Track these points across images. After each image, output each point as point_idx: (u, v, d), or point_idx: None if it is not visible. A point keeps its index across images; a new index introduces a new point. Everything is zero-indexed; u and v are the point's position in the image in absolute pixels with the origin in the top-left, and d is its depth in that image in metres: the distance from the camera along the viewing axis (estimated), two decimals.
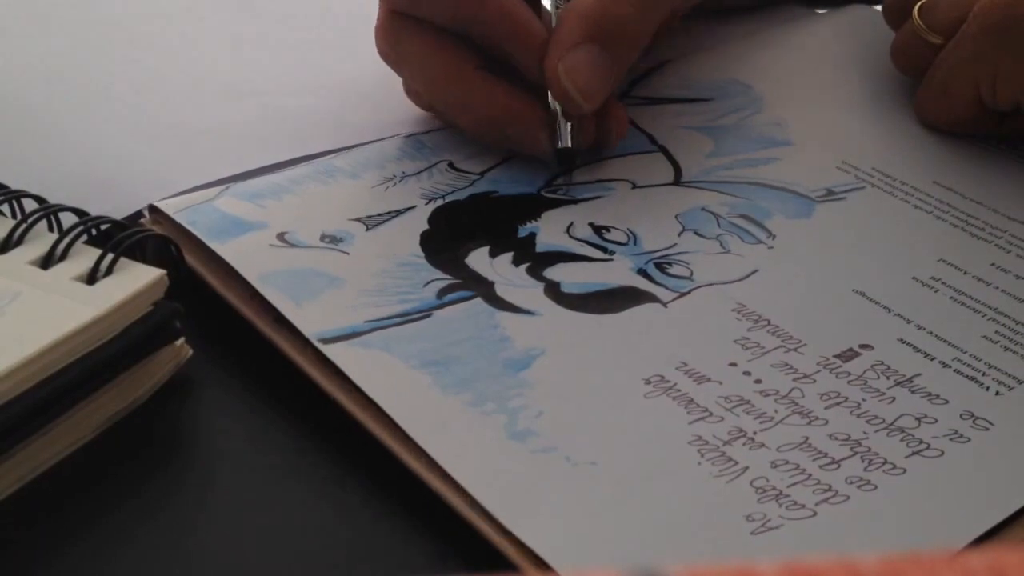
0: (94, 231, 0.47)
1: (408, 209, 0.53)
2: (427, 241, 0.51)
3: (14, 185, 0.49)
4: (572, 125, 0.55)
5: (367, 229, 0.51)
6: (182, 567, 0.41)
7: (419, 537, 0.41)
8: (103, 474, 0.43)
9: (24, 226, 0.47)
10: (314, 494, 0.43)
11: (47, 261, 0.46)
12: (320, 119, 0.60)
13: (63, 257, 0.46)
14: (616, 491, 0.41)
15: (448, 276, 0.49)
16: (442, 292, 0.48)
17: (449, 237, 0.51)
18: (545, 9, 0.56)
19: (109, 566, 0.41)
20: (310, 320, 0.46)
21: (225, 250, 0.49)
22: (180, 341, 0.46)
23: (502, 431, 0.43)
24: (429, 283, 0.49)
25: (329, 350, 0.45)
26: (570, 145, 0.55)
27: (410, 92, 0.59)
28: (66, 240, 0.46)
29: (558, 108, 0.54)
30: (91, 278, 0.45)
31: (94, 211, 0.48)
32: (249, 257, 0.49)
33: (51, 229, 0.48)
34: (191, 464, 0.45)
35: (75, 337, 0.43)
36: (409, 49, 0.56)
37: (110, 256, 0.45)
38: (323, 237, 0.50)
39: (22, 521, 0.42)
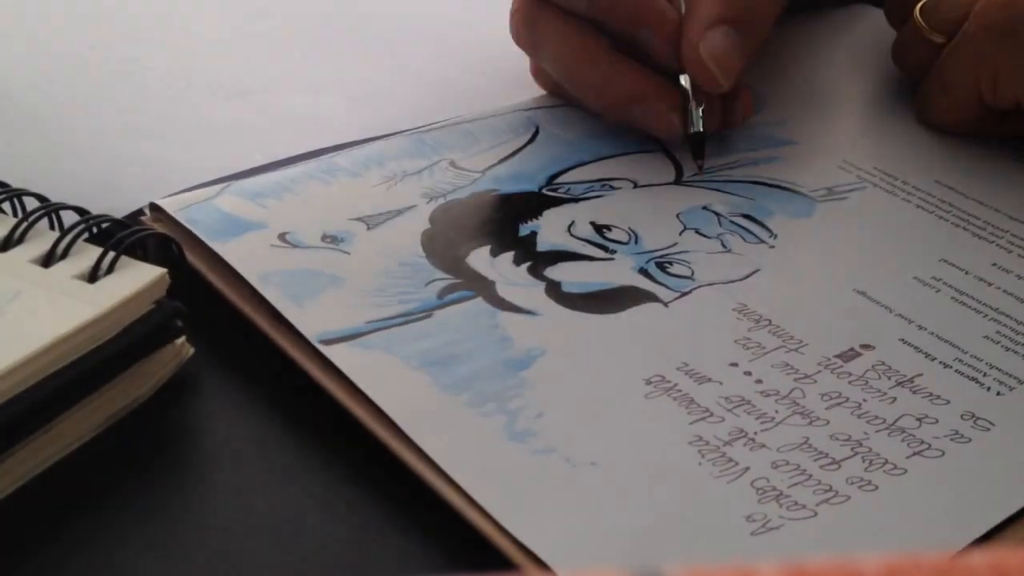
0: (95, 229, 0.47)
1: (409, 208, 0.53)
2: (428, 240, 0.51)
3: (15, 183, 0.49)
4: (703, 109, 0.56)
5: (368, 228, 0.51)
6: (183, 565, 0.41)
7: (420, 537, 0.41)
8: (104, 473, 0.43)
9: (25, 224, 0.47)
10: (315, 493, 0.43)
11: (48, 259, 0.46)
12: (321, 117, 0.60)
13: (64, 255, 0.46)
14: (616, 492, 0.41)
15: (449, 276, 0.49)
16: (443, 292, 0.48)
17: (450, 236, 0.51)
18: None
19: (110, 564, 0.41)
20: (311, 321, 0.46)
21: (226, 250, 0.49)
22: (181, 340, 0.46)
23: (502, 432, 0.43)
24: (430, 283, 0.49)
25: (330, 351, 0.45)
26: (701, 129, 0.56)
27: (539, 74, 0.61)
28: (67, 238, 0.46)
29: (689, 91, 0.56)
30: (92, 276, 0.45)
31: (95, 210, 0.48)
32: (250, 257, 0.49)
33: (52, 227, 0.48)
34: (192, 462, 0.45)
35: (76, 336, 0.43)
36: (545, 33, 0.58)
37: (111, 255, 0.45)
38: (324, 237, 0.50)
39: (23, 519, 0.42)
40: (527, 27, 0.58)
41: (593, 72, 0.57)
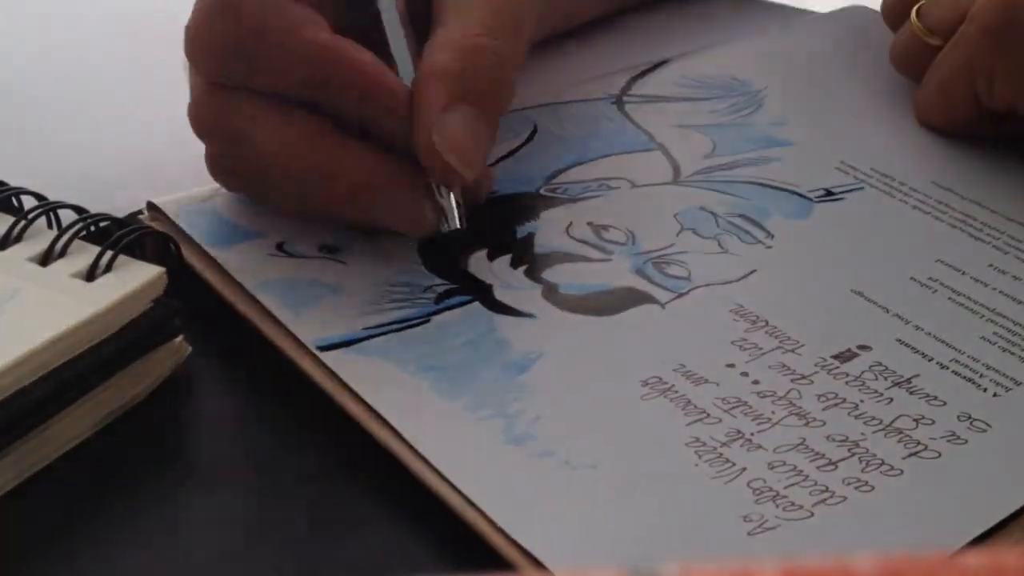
0: (93, 228, 0.47)
1: None
2: (425, 246, 0.51)
3: (14, 182, 0.49)
4: (458, 201, 0.49)
5: (365, 237, 0.51)
6: (180, 565, 0.41)
7: (419, 540, 0.41)
8: (101, 471, 0.43)
9: (24, 223, 0.47)
10: (313, 494, 0.43)
11: (46, 258, 0.46)
12: None
13: (62, 254, 0.46)
14: (614, 494, 0.41)
15: (446, 281, 0.49)
16: (440, 297, 0.48)
17: (447, 241, 0.51)
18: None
19: (107, 563, 0.41)
20: (308, 328, 0.46)
21: (224, 256, 0.49)
22: (179, 339, 0.46)
23: (500, 435, 0.43)
24: (427, 289, 0.49)
25: (327, 357, 0.45)
26: (458, 225, 0.49)
27: (217, 166, 0.51)
28: (65, 237, 0.46)
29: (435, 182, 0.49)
30: (90, 275, 0.45)
31: (94, 208, 0.48)
32: (248, 265, 0.49)
33: (50, 226, 0.48)
34: (190, 462, 0.45)
35: (74, 334, 0.43)
36: (246, 124, 0.48)
37: (109, 253, 0.45)
38: (321, 248, 0.50)
39: (20, 518, 0.42)
40: (218, 121, 0.49)
41: (316, 158, 0.48)
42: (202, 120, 0.50)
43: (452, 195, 0.49)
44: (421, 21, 0.50)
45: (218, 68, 0.49)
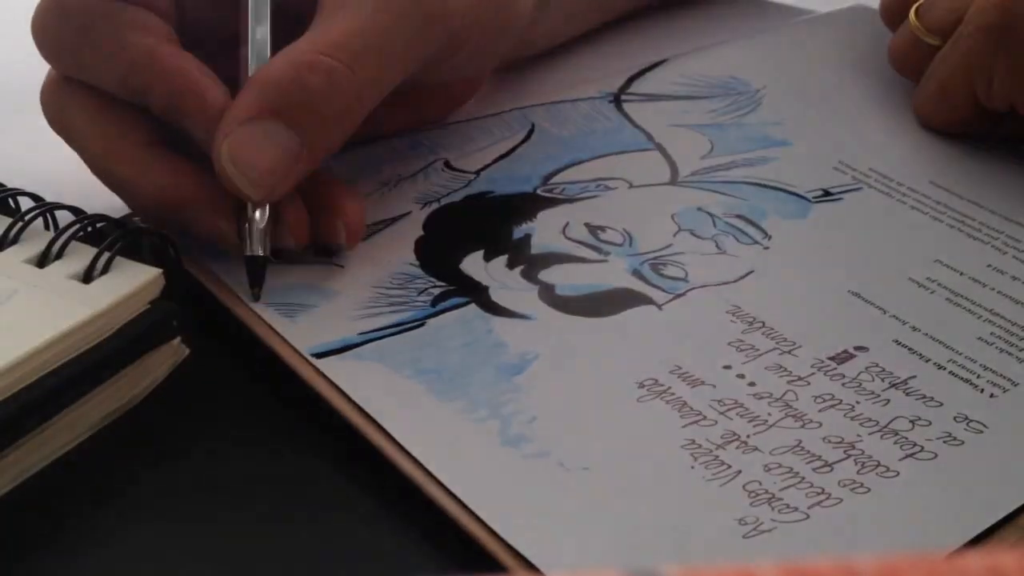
0: (90, 229, 0.47)
1: (403, 215, 0.53)
2: (422, 248, 0.51)
3: (10, 183, 0.49)
4: (265, 225, 0.47)
5: (361, 240, 0.51)
6: (178, 567, 0.41)
7: (414, 542, 0.41)
8: (99, 473, 0.43)
9: (20, 224, 0.47)
10: (310, 496, 0.43)
11: (43, 259, 0.46)
12: None
13: (59, 256, 0.46)
14: (609, 496, 0.41)
15: (442, 283, 0.49)
16: (436, 300, 0.48)
17: (444, 242, 0.51)
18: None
19: (106, 564, 0.41)
20: (304, 335, 0.46)
21: (219, 265, 0.49)
22: (176, 340, 0.46)
23: (495, 437, 0.43)
24: (423, 291, 0.49)
25: (323, 364, 0.45)
26: (260, 252, 0.47)
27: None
28: (62, 238, 0.46)
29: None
30: (87, 277, 0.45)
31: (90, 210, 0.48)
32: (243, 273, 0.49)
33: (47, 227, 0.48)
34: (187, 464, 0.45)
35: (71, 336, 0.43)
36: (75, 120, 0.49)
37: (106, 255, 0.46)
38: (318, 252, 0.50)
39: (17, 520, 0.42)
40: (54, 111, 0.49)
41: (123, 167, 0.48)
42: (44, 108, 0.50)
43: (256, 217, 0.47)
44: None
45: (53, 61, 0.49)
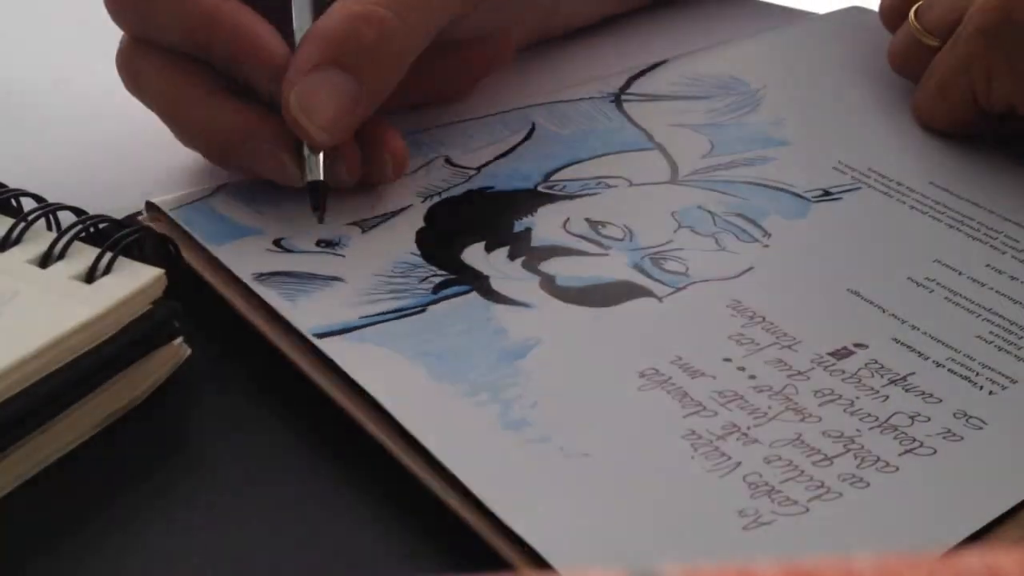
0: (92, 230, 0.47)
1: (404, 209, 0.53)
2: (423, 239, 0.51)
3: (13, 184, 0.49)
4: (324, 155, 0.51)
5: (363, 232, 0.51)
6: (180, 566, 0.41)
7: (415, 534, 0.41)
8: (101, 473, 0.44)
9: (23, 225, 0.47)
10: (312, 493, 0.43)
11: (45, 260, 0.46)
12: None
13: (61, 256, 0.46)
14: (608, 483, 0.41)
15: (443, 272, 0.49)
16: (437, 287, 0.49)
17: (445, 233, 0.52)
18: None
19: (106, 565, 0.41)
20: (304, 317, 0.46)
21: (222, 253, 0.49)
22: (178, 340, 0.47)
23: (496, 421, 0.43)
24: (425, 279, 0.49)
25: (323, 344, 0.45)
26: (320, 177, 0.51)
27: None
28: (64, 239, 0.46)
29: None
30: (89, 277, 0.45)
31: (93, 210, 0.48)
32: (245, 260, 0.49)
33: (50, 228, 0.48)
34: (189, 463, 0.45)
35: (73, 336, 0.43)
36: (146, 75, 0.53)
37: (108, 255, 0.46)
38: (319, 243, 0.51)
39: (20, 520, 0.42)
40: (128, 70, 0.53)
41: (191, 112, 0.52)
42: (120, 70, 0.53)
43: (320, 155, 0.51)
44: None
45: (123, 23, 0.53)
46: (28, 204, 0.49)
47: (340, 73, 0.49)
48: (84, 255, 0.46)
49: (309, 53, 0.49)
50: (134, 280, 0.45)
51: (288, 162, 0.51)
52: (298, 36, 0.52)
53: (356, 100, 0.50)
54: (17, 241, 0.47)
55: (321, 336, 0.46)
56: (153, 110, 0.53)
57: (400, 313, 0.47)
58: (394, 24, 0.50)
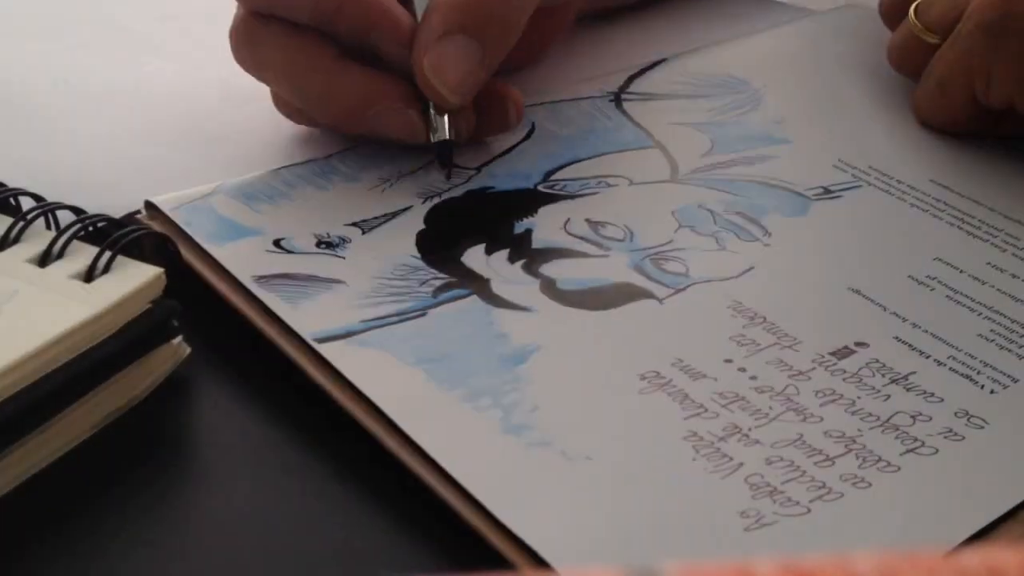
0: (91, 229, 0.47)
1: (404, 210, 0.53)
2: (423, 241, 0.51)
3: (12, 183, 0.49)
4: (449, 115, 0.54)
5: (363, 233, 0.51)
6: (179, 566, 0.41)
7: (415, 534, 0.41)
8: (100, 473, 0.43)
9: (22, 224, 0.47)
10: (311, 493, 0.43)
11: (44, 259, 0.46)
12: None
13: (60, 255, 0.46)
14: (610, 486, 0.41)
15: (444, 275, 0.49)
16: (438, 291, 0.48)
17: (445, 236, 0.51)
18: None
19: (106, 565, 0.41)
20: (305, 321, 0.46)
21: (222, 253, 0.49)
22: (178, 339, 0.46)
23: (497, 425, 0.43)
24: (425, 282, 0.49)
25: (324, 348, 0.45)
26: (448, 136, 0.54)
27: (279, 101, 0.57)
28: (63, 238, 0.46)
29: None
30: (88, 276, 0.45)
31: (92, 209, 0.48)
32: (245, 261, 0.49)
33: (49, 227, 0.48)
34: (188, 463, 0.45)
35: (72, 335, 0.43)
36: (268, 48, 0.54)
37: (107, 254, 0.45)
38: (319, 243, 0.50)
39: (18, 520, 0.42)
40: (249, 45, 0.55)
41: (319, 79, 0.54)
42: (235, 44, 0.55)
43: (445, 116, 0.54)
44: None
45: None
46: (27, 203, 0.49)
47: (466, 38, 0.52)
48: (83, 254, 0.46)
49: (438, 21, 0.52)
50: (133, 279, 0.45)
51: (417, 120, 0.54)
52: (417, 5, 0.54)
53: (480, 63, 0.53)
54: (16, 240, 0.47)
55: (322, 341, 0.46)
56: (275, 84, 0.56)
57: (401, 317, 0.47)
58: None
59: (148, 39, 0.67)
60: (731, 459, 0.42)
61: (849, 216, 0.54)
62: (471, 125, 0.55)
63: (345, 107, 0.54)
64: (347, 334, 0.46)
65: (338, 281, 0.49)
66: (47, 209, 0.48)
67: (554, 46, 0.64)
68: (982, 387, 0.45)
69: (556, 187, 0.54)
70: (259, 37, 0.54)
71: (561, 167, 0.56)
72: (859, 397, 0.44)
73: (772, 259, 0.51)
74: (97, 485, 0.43)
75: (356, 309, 0.47)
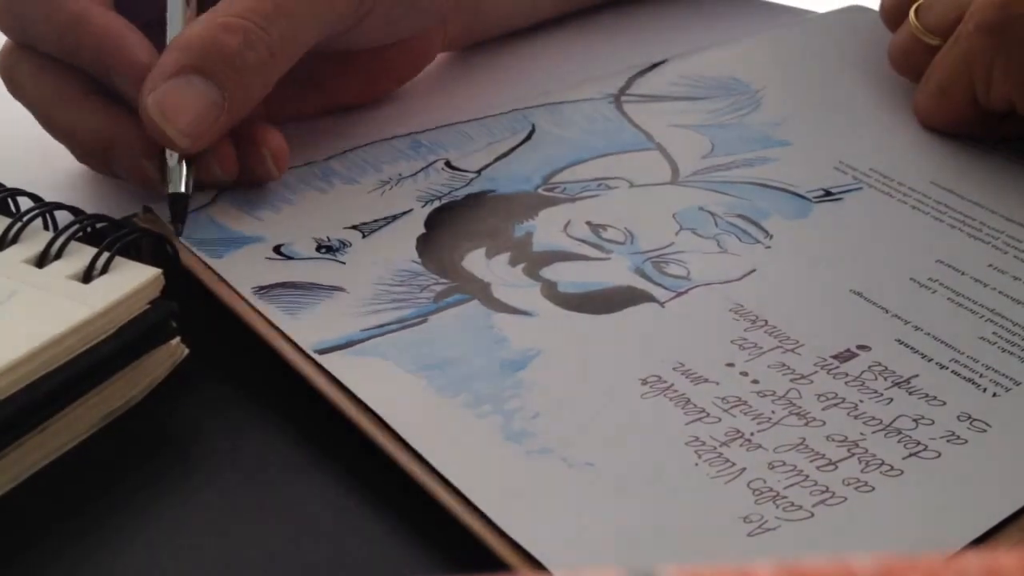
0: (89, 230, 0.47)
1: (404, 213, 0.53)
2: (423, 245, 0.51)
3: (9, 183, 0.49)
4: (189, 166, 0.51)
5: (363, 237, 0.51)
6: (177, 566, 0.41)
7: (415, 539, 0.41)
8: (98, 473, 0.43)
9: (19, 224, 0.47)
10: (310, 494, 0.43)
11: (42, 259, 0.46)
12: (321, 125, 0.60)
13: (58, 256, 0.46)
14: (613, 492, 0.41)
15: (445, 280, 0.49)
16: (439, 296, 0.48)
17: (446, 239, 0.51)
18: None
19: (104, 565, 0.40)
20: (306, 331, 0.46)
21: (221, 265, 0.49)
22: (176, 340, 0.46)
23: (498, 432, 0.43)
24: (426, 288, 0.49)
25: (325, 360, 0.45)
26: (181, 189, 0.50)
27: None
28: (61, 239, 0.46)
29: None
30: (86, 277, 0.45)
31: (90, 210, 0.48)
32: (245, 271, 0.49)
33: (47, 228, 0.48)
34: (186, 463, 0.45)
35: (70, 336, 0.43)
36: (23, 77, 0.53)
37: (105, 255, 0.45)
38: (319, 248, 0.50)
39: (17, 520, 0.41)
40: (5, 74, 0.54)
41: (63, 115, 0.52)
42: (0, 73, 0.54)
43: (182, 166, 0.51)
44: None
45: (4, 29, 0.54)
46: (25, 203, 0.49)
47: (201, 80, 0.50)
48: (81, 255, 0.46)
49: (170, 60, 0.50)
50: (131, 280, 0.45)
51: (148, 169, 0.51)
52: (172, 33, 0.52)
53: (218, 107, 0.50)
54: (14, 240, 0.47)
55: (323, 352, 0.45)
56: (30, 111, 0.54)
57: (402, 324, 0.47)
58: (256, 33, 0.50)
59: None
60: (733, 464, 0.42)
61: (850, 218, 0.54)
62: (228, 165, 0.52)
63: (87, 146, 0.53)
64: (348, 343, 0.46)
65: (339, 288, 0.48)
66: (45, 209, 0.48)
67: (542, 53, 0.63)
68: (984, 390, 0.45)
69: (556, 190, 0.54)
70: (15, 66, 0.53)
71: (561, 169, 0.56)
72: (861, 400, 0.44)
73: (773, 262, 0.51)
74: (95, 486, 0.43)
75: (357, 317, 0.47)
